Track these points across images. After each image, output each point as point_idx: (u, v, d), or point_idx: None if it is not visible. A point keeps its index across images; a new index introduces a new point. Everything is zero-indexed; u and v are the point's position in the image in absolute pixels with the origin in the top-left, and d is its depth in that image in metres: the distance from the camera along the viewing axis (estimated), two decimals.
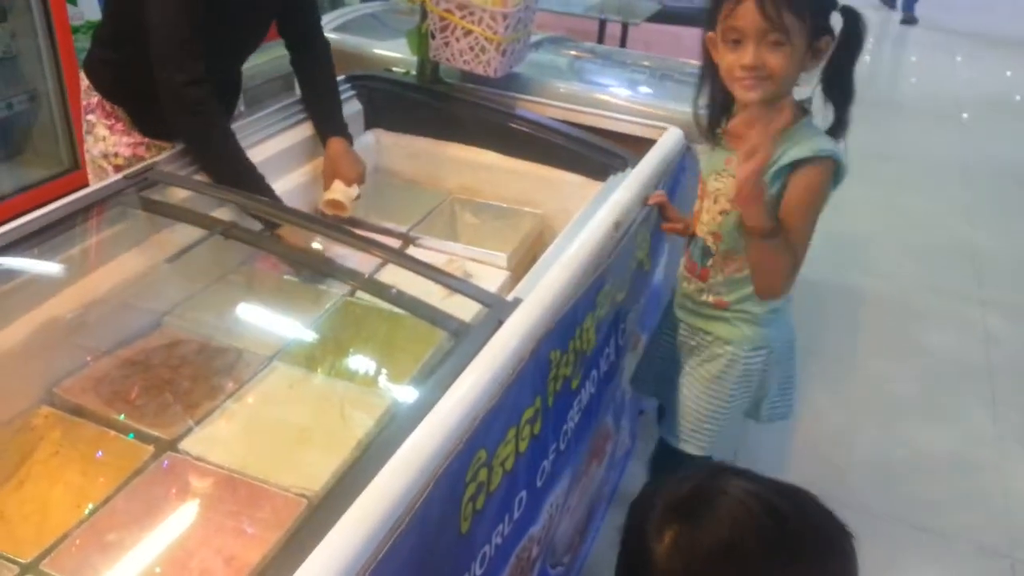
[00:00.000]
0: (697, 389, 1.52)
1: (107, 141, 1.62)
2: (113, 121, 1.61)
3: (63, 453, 1.13)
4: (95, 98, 1.62)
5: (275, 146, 1.61)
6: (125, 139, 1.61)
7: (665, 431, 1.59)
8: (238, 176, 1.45)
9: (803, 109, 1.31)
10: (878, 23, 6.83)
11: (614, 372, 1.53)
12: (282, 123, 1.68)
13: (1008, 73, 5.62)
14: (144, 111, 1.60)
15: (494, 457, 0.99)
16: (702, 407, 1.52)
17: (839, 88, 1.29)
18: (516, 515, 1.09)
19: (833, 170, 1.28)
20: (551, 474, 1.21)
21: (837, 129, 1.31)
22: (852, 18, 1.24)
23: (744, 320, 1.44)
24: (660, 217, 1.59)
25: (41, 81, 2.75)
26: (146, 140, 1.62)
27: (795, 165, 1.26)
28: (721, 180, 1.37)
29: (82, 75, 1.67)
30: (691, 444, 1.54)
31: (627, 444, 1.97)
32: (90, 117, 1.64)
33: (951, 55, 6.21)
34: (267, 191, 1.46)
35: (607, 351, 1.48)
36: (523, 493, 1.11)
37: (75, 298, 1.23)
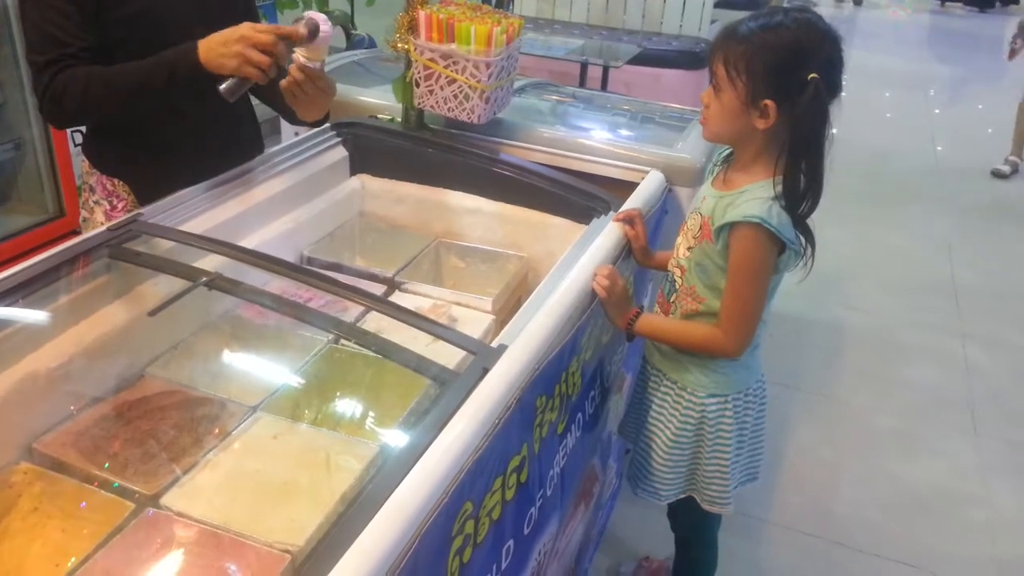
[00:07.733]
0: (650, 434, 1.51)
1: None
2: (114, 201, 1.61)
3: (42, 510, 1.11)
4: (94, 177, 1.62)
5: (258, 195, 1.62)
6: None
7: (628, 475, 1.58)
8: (127, 76, 1.40)
9: (779, 171, 1.26)
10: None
11: (599, 414, 1.53)
12: (265, 173, 1.69)
13: (980, 106, 5.77)
14: (141, 174, 1.60)
15: (481, 508, 0.98)
16: (656, 453, 1.50)
17: (802, 158, 1.24)
18: (504, 565, 1.08)
19: (766, 236, 1.24)
20: (539, 521, 1.20)
21: (792, 198, 1.24)
22: (815, 91, 1.18)
23: (697, 364, 1.42)
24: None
25: (27, 130, 2.76)
26: None
27: (731, 226, 1.28)
28: (694, 216, 1.40)
29: (83, 159, 1.67)
30: (647, 491, 1.53)
31: (614, 484, 1.96)
32: (91, 199, 1.64)
33: (924, 89, 6.37)
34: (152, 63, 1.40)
35: (592, 394, 1.48)
36: (510, 542, 1.10)
37: (56, 352, 1.22)
